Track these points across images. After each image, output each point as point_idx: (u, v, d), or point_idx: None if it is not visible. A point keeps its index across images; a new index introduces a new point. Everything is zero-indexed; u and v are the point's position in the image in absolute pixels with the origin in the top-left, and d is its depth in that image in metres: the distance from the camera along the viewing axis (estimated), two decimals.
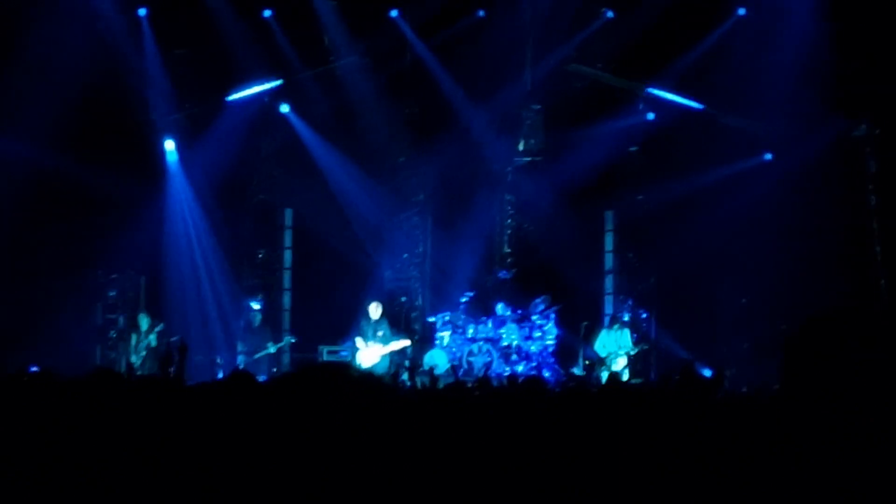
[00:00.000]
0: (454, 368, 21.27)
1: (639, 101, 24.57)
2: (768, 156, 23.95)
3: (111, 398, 4.30)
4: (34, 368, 12.24)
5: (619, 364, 21.84)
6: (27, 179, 21.58)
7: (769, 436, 3.16)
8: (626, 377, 21.38)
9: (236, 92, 23.92)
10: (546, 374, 22.08)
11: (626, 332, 22.35)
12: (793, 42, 22.15)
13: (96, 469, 3.72)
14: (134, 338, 22.05)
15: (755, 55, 22.71)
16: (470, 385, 13.61)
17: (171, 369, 12.56)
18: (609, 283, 25.50)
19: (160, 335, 21.85)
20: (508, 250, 25.35)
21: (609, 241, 25.64)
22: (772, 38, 22.56)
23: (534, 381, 9.76)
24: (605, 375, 21.41)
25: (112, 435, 4.06)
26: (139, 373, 21.08)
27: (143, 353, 21.74)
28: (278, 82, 24.16)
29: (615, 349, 21.98)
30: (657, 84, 24.11)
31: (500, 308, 23.24)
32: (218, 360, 22.60)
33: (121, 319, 24.10)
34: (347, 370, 3.00)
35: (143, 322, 22.05)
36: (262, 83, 24.08)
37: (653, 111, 24.31)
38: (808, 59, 21.79)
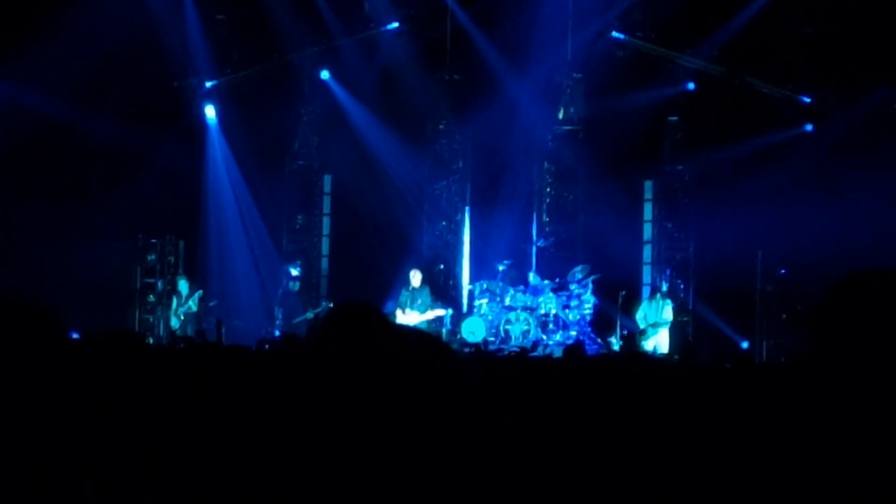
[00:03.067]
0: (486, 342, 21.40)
1: (679, 70, 24.49)
2: (809, 126, 23.85)
3: (131, 361, 4.30)
4: (74, 335, 12.33)
5: (661, 336, 21.77)
6: (68, 142, 21.69)
7: (805, 404, 3.14)
8: (666, 349, 21.34)
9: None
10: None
11: (669, 303, 22.23)
12: (835, 11, 21.96)
13: (127, 433, 3.73)
14: (175, 301, 22.21)
15: (798, 24, 22.53)
16: (508, 354, 13.66)
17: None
18: (647, 252, 25.47)
19: (200, 301, 22.03)
20: (547, 219, 25.29)
21: (648, 211, 25.59)
22: (814, 7, 22.36)
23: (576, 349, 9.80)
24: (645, 346, 21.42)
25: (146, 397, 4.08)
26: (179, 333, 21.29)
27: (183, 317, 21.91)
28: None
29: (656, 321, 21.90)
30: (698, 53, 24.02)
31: (537, 277, 23.22)
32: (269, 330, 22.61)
33: (159, 283, 24.24)
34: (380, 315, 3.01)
35: (183, 286, 22.22)
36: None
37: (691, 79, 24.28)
38: (852, 29, 21.62)
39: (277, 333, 21.62)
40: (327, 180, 25.69)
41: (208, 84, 23.71)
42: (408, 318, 21.56)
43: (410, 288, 22.02)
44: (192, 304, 22.00)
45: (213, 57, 23.48)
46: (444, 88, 24.68)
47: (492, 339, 22.16)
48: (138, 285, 24.12)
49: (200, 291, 22.27)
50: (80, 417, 3.61)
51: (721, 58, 23.71)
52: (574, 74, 24.60)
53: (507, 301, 22.88)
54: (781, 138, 23.71)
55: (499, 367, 8.74)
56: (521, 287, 23.07)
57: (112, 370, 3.99)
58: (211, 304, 22.46)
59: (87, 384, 3.86)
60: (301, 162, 25.01)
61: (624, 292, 23.13)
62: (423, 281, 22.25)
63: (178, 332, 21.62)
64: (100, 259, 22.35)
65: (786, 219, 23.12)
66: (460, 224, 25.55)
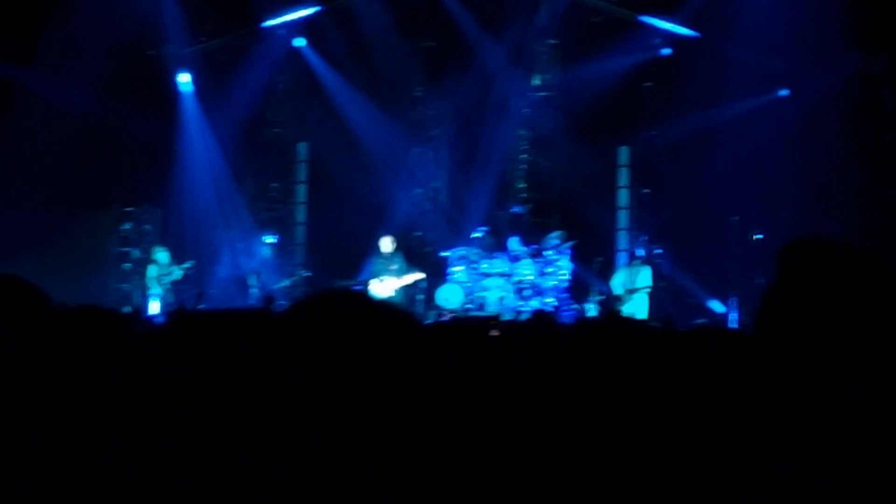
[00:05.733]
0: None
1: (653, 35, 24.47)
2: (784, 91, 23.90)
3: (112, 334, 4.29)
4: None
5: (639, 302, 21.77)
6: (42, 112, 21.56)
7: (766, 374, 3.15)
8: (645, 315, 21.34)
9: (272, 19, 23.84)
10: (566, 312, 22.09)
11: (648, 269, 22.16)
12: None
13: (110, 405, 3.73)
14: (155, 270, 22.07)
15: None
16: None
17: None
18: (623, 218, 25.52)
19: (186, 275, 21.96)
20: (523, 185, 25.33)
21: (623, 177, 25.63)
22: None
23: (544, 316, 9.81)
24: (624, 313, 21.42)
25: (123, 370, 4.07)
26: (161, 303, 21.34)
27: (168, 286, 21.82)
28: (317, 8, 24.01)
29: (634, 287, 21.89)
30: (673, 19, 23.99)
31: (514, 243, 23.21)
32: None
33: (136, 252, 24.19)
34: (366, 298, 2.99)
35: (163, 256, 22.12)
36: (299, 9, 23.97)
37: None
38: None
39: (252, 302, 21.62)
40: (303, 148, 25.67)
41: (183, 51, 23.60)
42: (386, 284, 21.55)
43: (383, 254, 22.01)
44: (177, 273, 21.89)
45: (187, 25, 23.35)
46: (420, 56, 24.64)
47: (468, 305, 22.22)
48: (115, 254, 24.06)
49: (193, 262, 22.20)
50: (59, 392, 3.61)
51: (696, 23, 23.69)
52: (549, 40, 24.59)
53: (484, 268, 22.90)
54: (757, 103, 23.75)
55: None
56: (497, 253, 23.10)
57: (84, 345, 3.99)
58: (187, 265, 22.30)
59: (63, 357, 3.86)
60: (276, 130, 24.96)
61: (601, 258, 23.20)
62: (396, 247, 22.24)
63: (162, 300, 21.63)
64: (75, 228, 22.27)
65: (761, 184, 23.18)
66: (436, 191, 25.57)
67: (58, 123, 21.71)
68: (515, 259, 22.97)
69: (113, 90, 21.48)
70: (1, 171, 21.73)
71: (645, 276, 21.96)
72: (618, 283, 22.19)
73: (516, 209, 24.83)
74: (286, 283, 22.69)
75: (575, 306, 22.59)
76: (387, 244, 22.01)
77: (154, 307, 21.79)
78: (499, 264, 22.92)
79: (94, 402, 3.67)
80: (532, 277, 22.82)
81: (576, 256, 23.22)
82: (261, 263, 23.07)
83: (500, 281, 22.75)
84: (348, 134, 24.44)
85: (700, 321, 16.99)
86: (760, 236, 23.69)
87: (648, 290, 21.88)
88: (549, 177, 25.06)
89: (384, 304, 2.92)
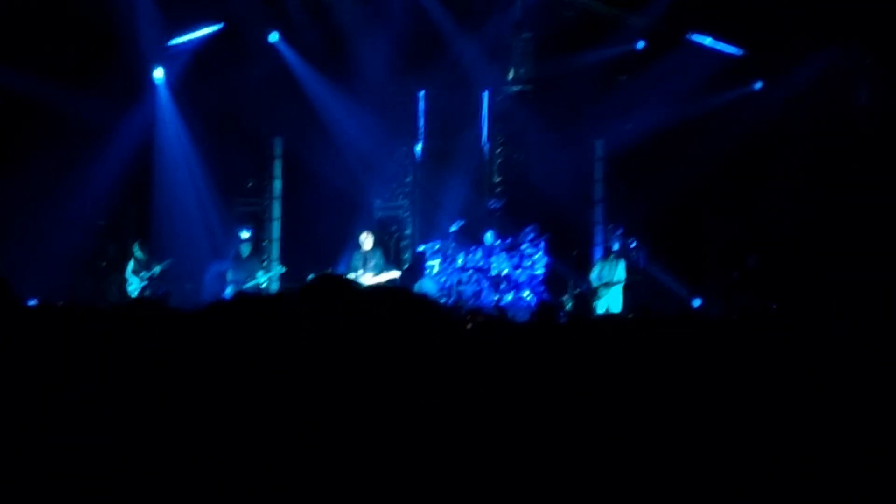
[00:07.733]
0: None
1: (629, 29, 24.53)
2: (759, 84, 23.98)
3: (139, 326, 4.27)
4: (32, 301, 12.16)
5: (614, 295, 21.84)
6: (14, 106, 21.43)
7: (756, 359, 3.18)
8: (619, 308, 21.42)
9: (178, 37, 23.75)
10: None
11: (622, 263, 22.24)
12: None
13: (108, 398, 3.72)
14: (133, 264, 21.93)
15: None
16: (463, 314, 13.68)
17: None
18: (598, 212, 25.56)
19: (163, 272, 21.82)
20: (498, 179, 25.35)
21: (599, 170, 25.68)
22: None
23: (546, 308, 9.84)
24: (600, 306, 21.53)
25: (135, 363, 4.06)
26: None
27: (145, 282, 21.67)
28: (219, 26, 23.92)
29: (609, 280, 21.94)
30: (647, 13, 24.03)
31: (489, 237, 23.24)
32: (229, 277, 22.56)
33: (111, 248, 24.08)
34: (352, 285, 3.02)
35: (138, 251, 21.99)
36: (204, 27, 23.87)
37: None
38: None
39: (228, 296, 21.51)
40: (278, 143, 25.60)
41: (157, 47, 23.50)
42: (362, 280, 21.52)
43: (362, 250, 22.02)
44: (156, 271, 21.78)
45: (161, 20, 23.24)
46: (395, 49, 24.60)
47: (444, 300, 22.22)
48: (90, 251, 23.94)
49: (171, 260, 22.08)
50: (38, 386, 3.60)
51: (670, 16, 23.73)
52: (524, 34, 24.61)
53: (459, 262, 22.92)
54: (731, 97, 23.83)
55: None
56: (473, 248, 23.12)
57: (76, 337, 3.98)
58: (165, 264, 22.20)
59: (46, 352, 3.84)
60: (251, 125, 24.87)
61: (576, 252, 23.23)
62: (375, 243, 22.24)
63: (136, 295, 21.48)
64: (50, 224, 22.15)
65: (736, 176, 23.27)
66: (411, 185, 25.57)
67: (31, 118, 21.61)
68: (491, 253, 22.99)
69: (88, 85, 21.35)
70: None
71: (619, 271, 22.02)
72: (595, 277, 22.26)
73: (492, 203, 24.85)
74: (261, 278, 22.60)
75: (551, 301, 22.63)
76: (366, 240, 22.01)
77: None
78: (474, 258, 22.94)
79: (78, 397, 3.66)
80: (507, 271, 22.85)
81: (551, 250, 23.26)
82: (236, 258, 22.98)
83: (475, 275, 22.77)
84: (323, 129, 24.38)
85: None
86: (733, 229, 23.81)
87: (622, 283, 21.94)
88: (524, 170, 25.07)
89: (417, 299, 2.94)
